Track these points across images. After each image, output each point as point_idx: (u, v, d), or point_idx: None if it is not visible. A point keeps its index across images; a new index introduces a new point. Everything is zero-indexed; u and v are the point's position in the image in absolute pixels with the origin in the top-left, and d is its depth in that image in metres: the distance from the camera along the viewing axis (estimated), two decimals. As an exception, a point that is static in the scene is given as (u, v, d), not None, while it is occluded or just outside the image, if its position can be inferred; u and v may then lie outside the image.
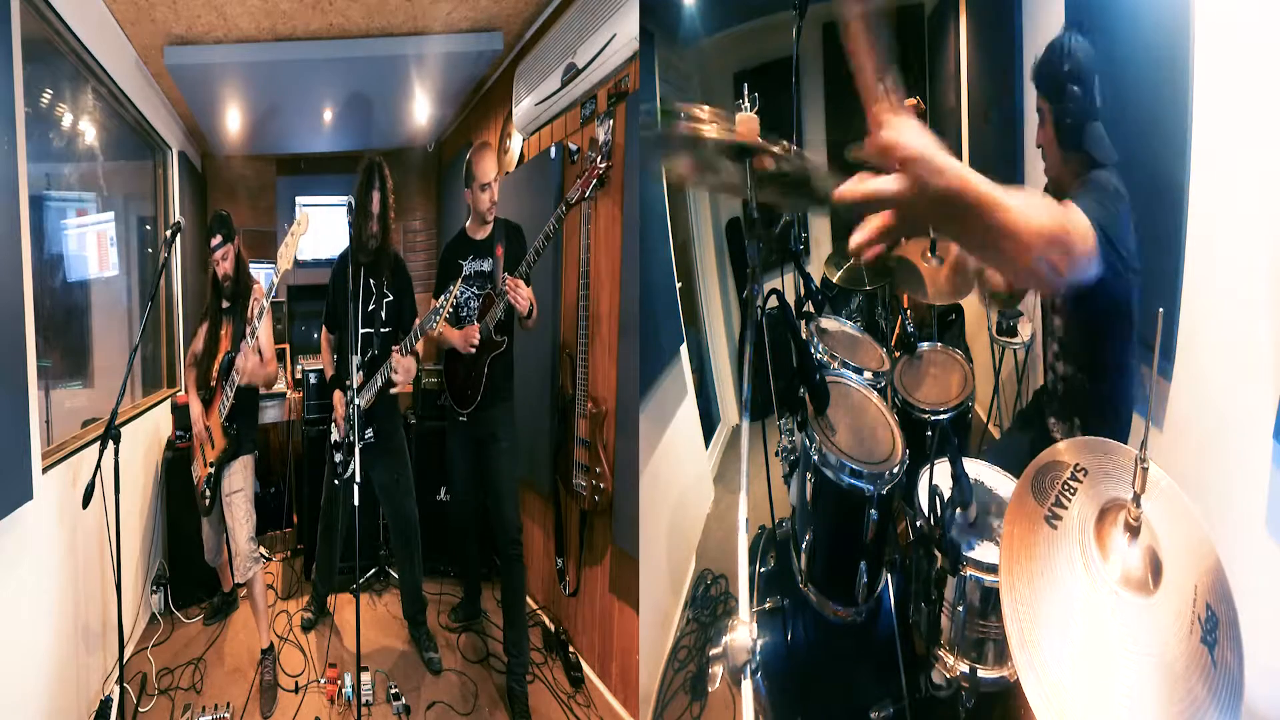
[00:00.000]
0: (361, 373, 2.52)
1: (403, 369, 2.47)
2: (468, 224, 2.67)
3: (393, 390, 2.63)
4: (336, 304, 2.61)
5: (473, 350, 2.50)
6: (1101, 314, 1.61)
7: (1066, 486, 1.09)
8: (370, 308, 2.60)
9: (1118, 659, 0.92)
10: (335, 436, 2.64)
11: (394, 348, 2.49)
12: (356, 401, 2.43)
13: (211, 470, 2.53)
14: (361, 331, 2.55)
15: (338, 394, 2.60)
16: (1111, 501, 1.06)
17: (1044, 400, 1.85)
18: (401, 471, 2.73)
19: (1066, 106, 1.59)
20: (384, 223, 2.57)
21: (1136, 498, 1.00)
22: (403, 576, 2.90)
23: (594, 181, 2.25)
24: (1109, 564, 0.99)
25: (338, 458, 2.64)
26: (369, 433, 2.57)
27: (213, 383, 2.56)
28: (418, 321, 2.48)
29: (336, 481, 2.61)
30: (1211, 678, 0.91)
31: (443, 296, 2.39)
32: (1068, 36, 1.61)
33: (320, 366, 3.09)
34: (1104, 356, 1.66)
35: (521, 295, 2.37)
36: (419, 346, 2.49)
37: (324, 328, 2.78)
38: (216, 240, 2.56)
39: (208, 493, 2.56)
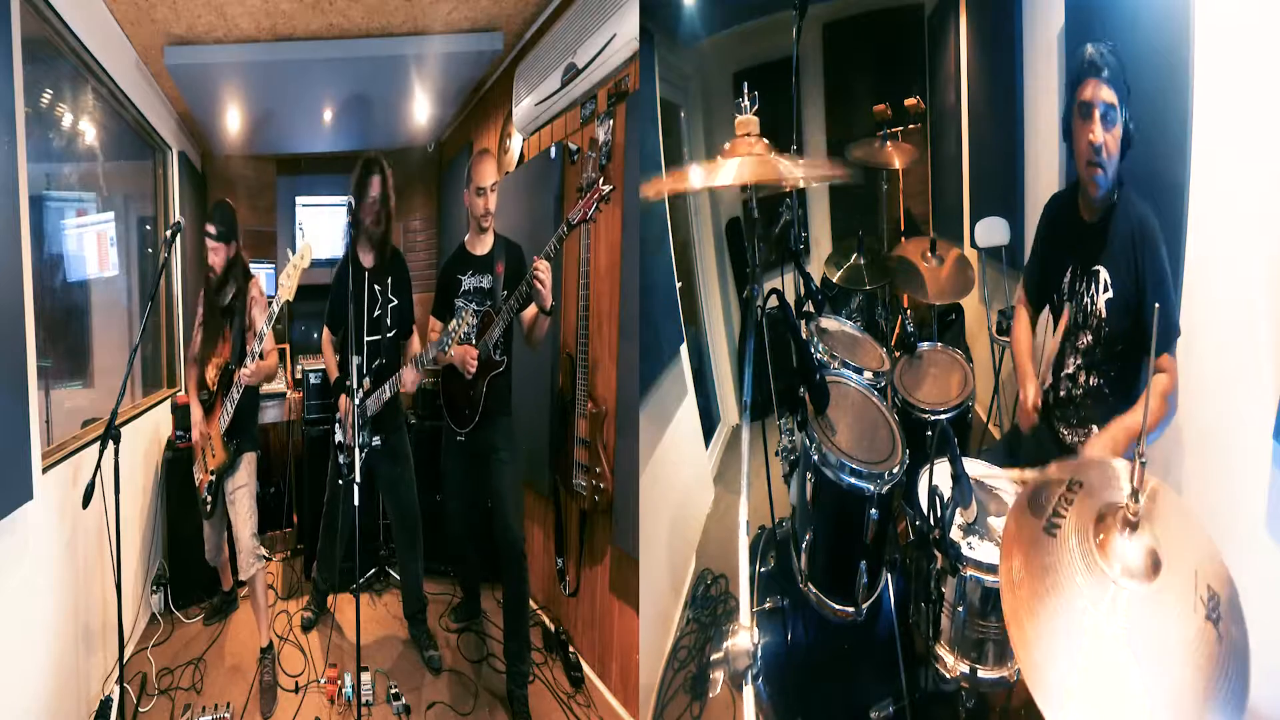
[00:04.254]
0: (369, 379, 2.51)
1: (411, 381, 2.48)
2: (466, 238, 2.62)
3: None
4: (339, 305, 2.58)
5: (471, 372, 2.43)
6: (1133, 337, 1.66)
7: (1064, 499, 1.10)
8: (376, 313, 2.58)
9: (1125, 650, 0.92)
10: (340, 438, 2.63)
11: (404, 366, 2.48)
12: (355, 402, 2.42)
13: (213, 478, 2.52)
14: (368, 339, 2.53)
15: (344, 398, 2.58)
16: (1108, 506, 1.07)
17: (1053, 407, 1.86)
18: (404, 468, 2.73)
19: (1135, 108, 1.55)
20: (385, 217, 2.54)
21: (1135, 493, 1.00)
22: (404, 572, 2.90)
23: (595, 203, 2.12)
24: (1110, 561, 1.00)
25: (343, 459, 2.63)
26: (376, 440, 2.56)
27: (212, 387, 2.55)
28: (426, 346, 2.44)
29: (341, 482, 2.60)
30: (1219, 653, 0.93)
31: (454, 321, 2.32)
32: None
33: (320, 366, 3.08)
34: (1130, 373, 1.70)
35: (545, 284, 2.21)
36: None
37: (325, 327, 2.75)
38: (211, 231, 2.52)
39: (209, 498, 2.56)
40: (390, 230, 2.58)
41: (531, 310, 2.36)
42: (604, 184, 2.14)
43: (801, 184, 1.97)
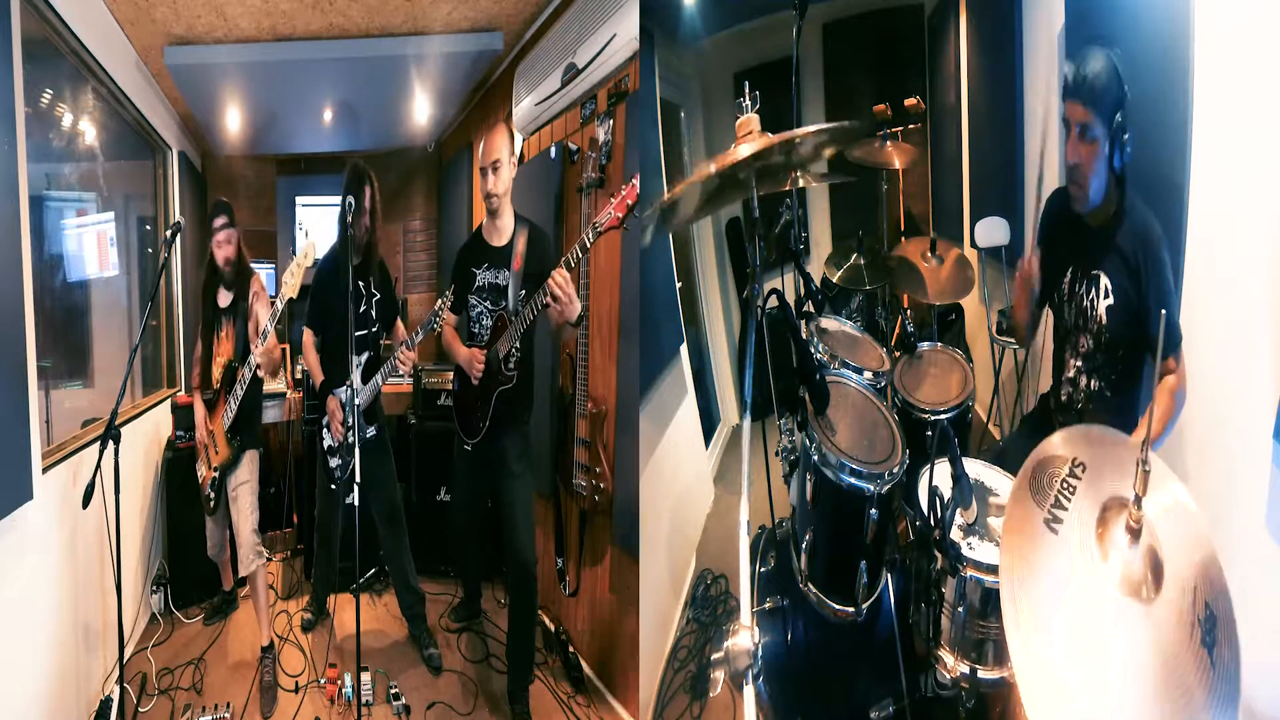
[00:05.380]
0: (360, 374, 2.50)
1: (409, 361, 2.42)
2: (484, 223, 2.44)
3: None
4: (328, 305, 2.51)
5: (477, 376, 2.34)
6: (1133, 343, 1.66)
7: (1065, 485, 1.07)
8: (361, 309, 2.56)
9: (1119, 667, 0.92)
10: (330, 441, 2.62)
11: (401, 348, 2.42)
12: (357, 402, 2.42)
13: (216, 474, 2.53)
14: (357, 334, 2.50)
15: (333, 398, 2.56)
16: (1112, 499, 1.05)
17: (1054, 409, 1.86)
18: (387, 462, 2.72)
19: (1125, 124, 1.56)
20: (374, 222, 2.53)
21: (1138, 499, 0.99)
22: (394, 568, 2.85)
23: (627, 212, 1.98)
24: (1110, 567, 0.99)
25: (333, 462, 2.62)
26: (371, 430, 2.55)
27: (215, 385, 2.55)
28: (414, 330, 2.40)
29: (334, 486, 2.59)
30: (1211, 679, 0.91)
31: (440, 301, 2.27)
32: (1116, 51, 1.57)
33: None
34: (1131, 376, 1.69)
35: (563, 298, 2.03)
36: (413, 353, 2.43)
37: (306, 329, 2.66)
38: (221, 221, 2.54)
39: (212, 495, 2.56)
40: (376, 233, 2.57)
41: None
42: (636, 183, 1.98)
43: (802, 183, 1.97)
